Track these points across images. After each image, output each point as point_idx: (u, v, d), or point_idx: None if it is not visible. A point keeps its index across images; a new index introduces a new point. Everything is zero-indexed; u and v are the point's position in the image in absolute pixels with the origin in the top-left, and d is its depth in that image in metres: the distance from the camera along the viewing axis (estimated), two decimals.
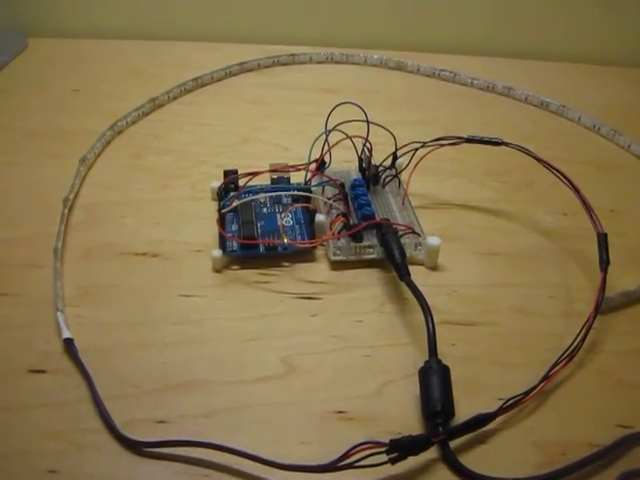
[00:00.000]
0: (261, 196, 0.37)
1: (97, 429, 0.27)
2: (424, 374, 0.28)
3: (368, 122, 0.37)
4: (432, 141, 0.38)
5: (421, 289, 0.31)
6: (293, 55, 0.59)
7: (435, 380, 0.28)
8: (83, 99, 0.52)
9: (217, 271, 0.35)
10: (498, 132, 0.39)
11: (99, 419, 0.27)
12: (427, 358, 0.29)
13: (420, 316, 0.30)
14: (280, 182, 0.39)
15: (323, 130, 0.37)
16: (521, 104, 0.54)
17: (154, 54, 0.59)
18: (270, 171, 0.37)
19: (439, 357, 0.28)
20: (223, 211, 0.35)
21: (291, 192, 0.38)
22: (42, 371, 0.29)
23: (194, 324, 0.32)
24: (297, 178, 0.39)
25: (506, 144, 0.38)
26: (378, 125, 0.38)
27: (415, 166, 0.38)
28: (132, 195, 0.41)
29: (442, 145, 0.38)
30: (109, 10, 0.63)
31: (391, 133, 0.38)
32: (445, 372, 0.28)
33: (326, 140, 0.38)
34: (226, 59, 0.57)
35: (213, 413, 0.28)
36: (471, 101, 0.54)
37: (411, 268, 0.33)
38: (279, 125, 0.49)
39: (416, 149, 0.38)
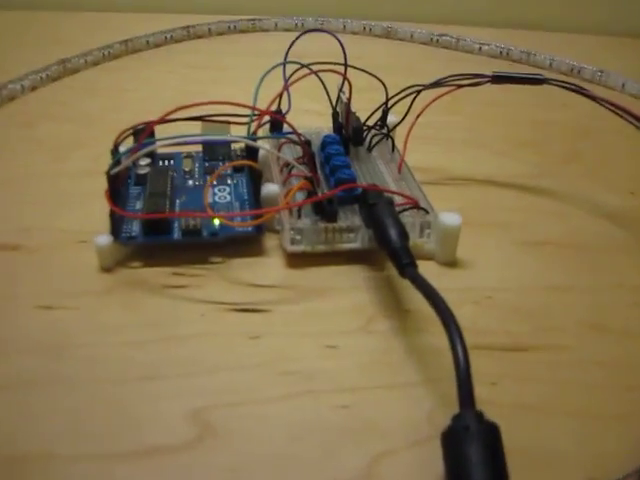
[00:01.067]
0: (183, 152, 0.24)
1: None
2: (454, 440, 0.15)
3: (346, 59, 0.26)
4: (439, 81, 0.26)
5: None
6: (254, 20, 0.46)
7: (475, 451, 0.15)
8: None
9: (106, 270, 0.22)
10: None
11: None
12: (456, 410, 0.16)
13: (435, 337, 0.17)
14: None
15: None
16: (545, 72, 0.42)
17: (83, 25, 0.47)
18: (195, 118, 0.24)
19: (477, 408, 0.15)
20: (113, 171, 0.21)
21: (225, 138, 0.25)
22: None
23: (53, 354, 0.19)
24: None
25: (550, 82, 0.26)
26: (361, 70, 0.26)
27: (417, 118, 0.26)
28: (8, 172, 0.28)
29: (460, 86, 0.26)
30: None
31: (379, 79, 0.26)
32: (491, 436, 0.15)
33: (286, 82, 0.26)
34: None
35: None
36: (481, 69, 0.42)
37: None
38: (228, 90, 0.37)
39: (417, 92, 0.26)
